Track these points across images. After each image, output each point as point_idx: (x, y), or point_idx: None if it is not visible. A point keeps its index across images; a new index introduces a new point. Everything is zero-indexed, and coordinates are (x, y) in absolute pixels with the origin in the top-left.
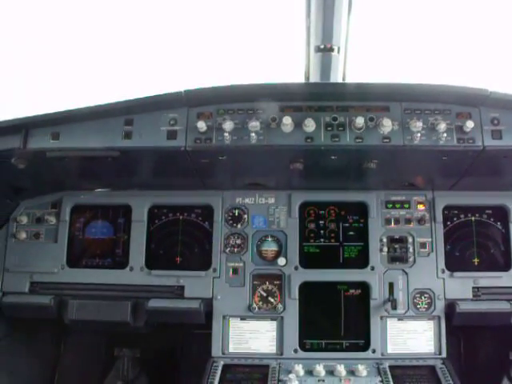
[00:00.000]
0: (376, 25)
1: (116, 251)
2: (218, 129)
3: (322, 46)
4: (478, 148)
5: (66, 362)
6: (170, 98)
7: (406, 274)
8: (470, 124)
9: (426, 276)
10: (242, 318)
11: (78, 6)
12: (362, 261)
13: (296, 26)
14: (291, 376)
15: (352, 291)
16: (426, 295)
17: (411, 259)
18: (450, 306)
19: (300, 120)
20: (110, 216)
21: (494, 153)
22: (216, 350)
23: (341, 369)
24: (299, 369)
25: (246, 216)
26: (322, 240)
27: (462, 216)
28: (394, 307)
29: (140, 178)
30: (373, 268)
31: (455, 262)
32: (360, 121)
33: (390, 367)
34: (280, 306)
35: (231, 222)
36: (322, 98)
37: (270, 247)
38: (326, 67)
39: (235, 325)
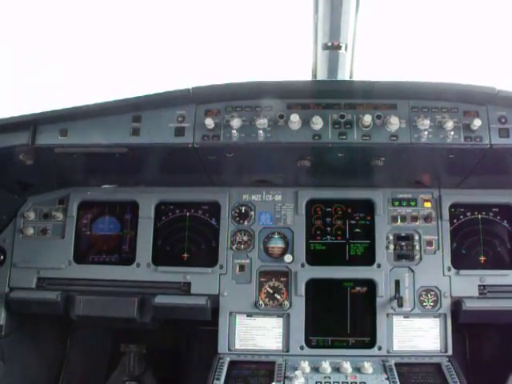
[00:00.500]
0: (383, 22)
1: (123, 247)
2: (225, 126)
3: (330, 44)
4: (485, 146)
5: (73, 358)
6: (178, 94)
7: (413, 271)
8: (477, 122)
9: (432, 274)
10: (249, 315)
11: (87, 3)
12: (368, 258)
13: (303, 24)
14: (297, 373)
15: (358, 288)
16: (432, 293)
17: (417, 257)
18: (456, 304)
19: (307, 117)
20: (117, 212)
21: (501, 151)
22: (222, 347)
23: (347, 366)
24: (305, 365)
25: (252, 213)
26: (328, 237)
27: (469, 214)
28: (400, 305)
29: (147, 175)
30: (379, 265)
31: (461, 260)
32: (367, 118)
33: (396, 364)
34: (286, 302)
35: (238, 218)
36: (329, 95)
37: (277, 244)
38: (333, 65)
39: (241, 321)
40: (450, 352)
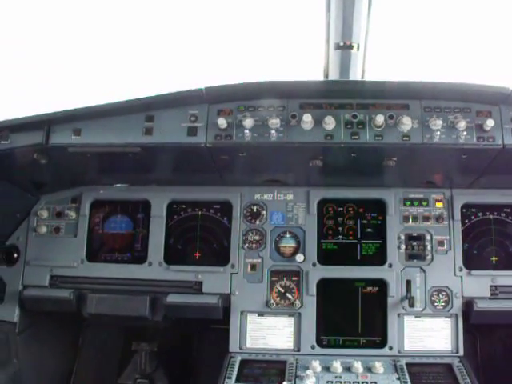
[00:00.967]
0: (396, 22)
1: (135, 246)
2: (238, 125)
3: (342, 44)
4: (498, 147)
5: (85, 355)
6: (191, 94)
7: (424, 271)
8: (490, 122)
9: (443, 274)
10: (260, 314)
11: (102, 4)
12: (379, 258)
13: (316, 23)
14: (308, 372)
15: (370, 288)
16: (443, 293)
17: (429, 257)
18: (468, 305)
19: (320, 117)
20: (129, 211)
21: None
22: (234, 346)
23: (358, 365)
24: (316, 365)
25: (264, 212)
26: (340, 237)
27: (480, 214)
28: (412, 305)
29: (159, 174)
30: (390, 265)
31: (473, 260)
32: (380, 119)
33: (407, 364)
34: (298, 302)
35: (250, 218)
36: (341, 95)
37: (289, 243)
38: (345, 64)
39: (253, 320)
40: (461, 352)
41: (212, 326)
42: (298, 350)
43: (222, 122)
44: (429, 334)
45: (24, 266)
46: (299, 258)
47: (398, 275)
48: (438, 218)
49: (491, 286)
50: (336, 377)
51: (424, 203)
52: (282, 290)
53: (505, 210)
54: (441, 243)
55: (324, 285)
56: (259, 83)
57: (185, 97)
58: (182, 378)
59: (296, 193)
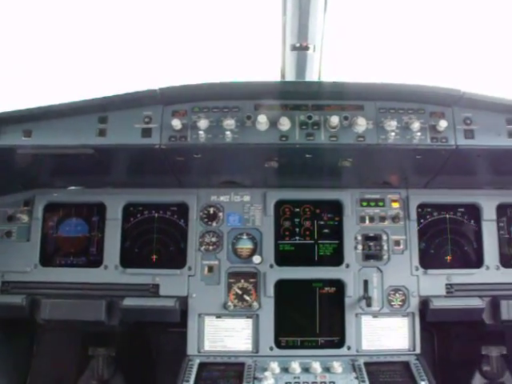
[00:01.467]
0: (351, 23)
1: (90, 250)
2: (192, 127)
3: (298, 45)
4: (451, 147)
5: (40, 362)
6: (145, 95)
7: (381, 271)
8: (443, 123)
9: (400, 273)
10: (218, 316)
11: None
12: (336, 258)
13: (272, 25)
14: (267, 373)
15: (327, 289)
16: (400, 292)
17: (385, 257)
18: (424, 303)
19: (275, 118)
20: (84, 214)
21: (467, 152)
22: (191, 349)
23: (316, 366)
24: (275, 366)
25: (221, 214)
26: (297, 238)
27: (436, 214)
28: (369, 304)
29: (114, 176)
30: (348, 266)
31: (429, 260)
32: (335, 120)
33: (365, 364)
34: (255, 303)
35: (206, 220)
36: (297, 96)
37: (246, 245)
38: (301, 66)
39: (211, 323)
40: (418, 350)
41: (171, 330)
42: (257, 352)
43: (176, 124)
44: (386, 333)
45: None
46: (256, 259)
47: (355, 275)
48: (395, 218)
49: (447, 285)
50: (294, 378)
51: (380, 203)
52: (240, 292)
53: (460, 209)
54: (397, 243)
55: (281, 286)
56: (214, 84)
57: (139, 97)
58: (140, 382)
59: (253, 194)
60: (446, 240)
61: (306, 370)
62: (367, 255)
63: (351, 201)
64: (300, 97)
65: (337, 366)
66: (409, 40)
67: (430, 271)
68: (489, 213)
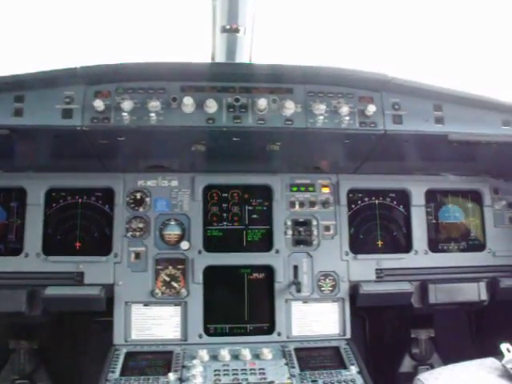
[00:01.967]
0: (283, 6)
1: (9, 237)
2: (116, 108)
3: (228, 27)
4: (380, 132)
5: None
6: (65, 74)
7: (311, 256)
8: (371, 108)
9: (330, 259)
10: (145, 304)
11: None
12: (266, 244)
13: (202, 6)
14: (195, 361)
15: (256, 275)
16: (330, 277)
17: (315, 242)
18: (354, 288)
19: (201, 101)
20: (2, 199)
21: (395, 137)
22: (118, 338)
23: (246, 353)
24: (203, 354)
25: (148, 199)
26: (225, 223)
27: (366, 199)
28: (299, 290)
29: (35, 160)
30: (277, 251)
31: (359, 245)
32: (262, 102)
33: (295, 349)
34: (184, 290)
35: (133, 205)
36: (224, 78)
37: (173, 231)
38: (231, 48)
39: (138, 311)
40: (348, 335)
41: (98, 319)
42: (185, 340)
43: (99, 105)
44: (316, 319)
45: None
46: (184, 245)
47: (285, 261)
48: (325, 204)
49: (376, 270)
50: (224, 365)
51: (310, 189)
52: (168, 279)
53: (390, 194)
54: (327, 228)
55: (210, 272)
56: (138, 64)
57: (58, 76)
58: (66, 375)
59: (181, 179)
60: (376, 225)
61: (235, 357)
62: (297, 240)
63: (281, 186)
64: (227, 79)
65: (266, 353)
66: (340, 24)
67: (359, 256)
68: (417, 198)
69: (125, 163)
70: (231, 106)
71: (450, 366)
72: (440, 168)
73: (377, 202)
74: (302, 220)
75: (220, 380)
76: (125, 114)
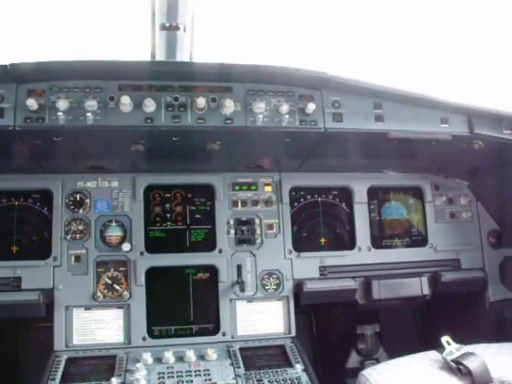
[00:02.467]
0: (223, 4)
1: None
2: (51, 108)
3: (168, 25)
4: (320, 130)
5: None
6: None
7: (254, 255)
8: (311, 106)
9: (273, 257)
10: (87, 308)
11: None
12: (209, 244)
13: (142, 3)
14: (138, 365)
15: (200, 275)
16: (274, 276)
17: (259, 241)
18: (298, 286)
19: (139, 100)
20: None
21: (336, 135)
22: (59, 344)
23: (190, 354)
24: (147, 357)
25: (88, 200)
26: (168, 224)
27: (309, 197)
28: (243, 289)
29: None
30: (220, 251)
31: (302, 243)
32: (201, 101)
33: (240, 349)
34: (126, 293)
35: (72, 207)
36: (163, 77)
37: (115, 232)
38: (171, 46)
39: (79, 315)
40: (293, 333)
41: (39, 325)
42: (129, 343)
43: (31, 104)
44: (261, 318)
45: None
46: (126, 247)
47: (229, 260)
48: (267, 202)
49: (320, 267)
50: (168, 367)
51: (253, 187)
52: (110, 282)
53: (332, 192)
54: (270, 227)
55: (153, 274)
56: (73, 62)
57: None
58: None
59: (121, 179)
60: (319, 223)
61: (180, 358)
62: (240, 240)
63: (223, 185)
64: (166, 77)
65: (211, 353)
66: (280, 22)
67: (303, 254)
68: (360, 196)
69: (63, 164)
70: (170, 105)
71: (394, 361)
72: (382, 165)
73: (319, 199)
74: (244, 219)
75: (164, 383)
76: (60, 113)
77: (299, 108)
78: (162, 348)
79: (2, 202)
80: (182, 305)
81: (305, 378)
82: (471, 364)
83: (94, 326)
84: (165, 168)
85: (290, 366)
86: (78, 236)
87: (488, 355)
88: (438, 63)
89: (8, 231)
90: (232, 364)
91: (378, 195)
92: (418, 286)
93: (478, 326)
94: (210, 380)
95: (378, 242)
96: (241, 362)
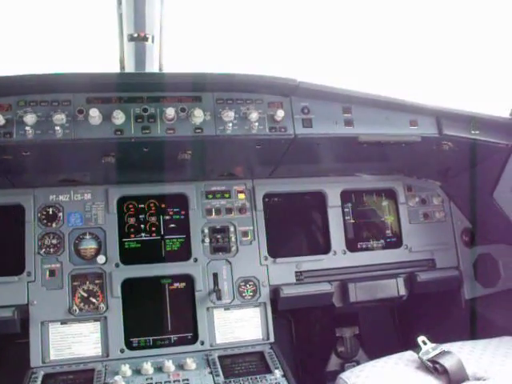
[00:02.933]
0: (192, 14)
1: None
2: (18, 122)
3: (136, 35)
4: (290, 136)
5: None
6: None
7: (230, 263)
8: (280, 113)
9: (249, 264)
10: (63, 322)
11: None
12: (184, 253)
13: (109, 14)
14: (117, 378)
15: (176, 284)
16: (250, 283)
17: (234, 248)
18: (275, 292)
19: (108, 112)
20: None
21: (306, 140)
22: (35, 360)
23: (169, 364)
24: (126, 369)
25: (61, 214)
26: (142, 235)
27: (282, 203)
28: (219, 297)
29: None
30: (196, 260)
31: (278, 249)
32: (170, 111)
33: (219, 357)
34: (102, 305)
35: (45, 221)
36: (132, 88)
37: (89, 245)
38: (140, 57)
39: (55, 330)
40: (272, 339)
41: (13, 342)
42: (107, 356)
43: None
44: (239, 325)
45: None
46: (100, 259)
47: (204, 269)
48: (241, 210)
49: (296, 272)
50: (147, 379)
51: (226, 195)
52: (85, 295)
53: (305, 197)
54: (245, 234)
55: (129, 285)
56: (41, 75)
57: None
58: None
59: (94, 192)
60: (294, 228)
61: (159, 369)
62: (215, 248)
63: (196, 194)
64: (135, 89)
65: (190, 363)
66: (249, 30)
67: (279, 260)
68: (333, 199)
69: (34, 178)
70: (139, 117)
71: (371, 363)
72: (354, 169)
73: (293, 205)
74: (219, 227)
75: None
76: (28, 128)
77: (269, 115)
78: (140, 359)
79: None
80: (160, 315)
81: (284, 383)
82: (447, 362)
83: (71, 341)
84: (137, 179)
85: (269, 372)
86: (51, 250)
87: (464, 353)
88: (405, 66)
89: None
90: (211, 372)
91: (351, 198)
92: (395, 287)
93: (455, 323)
94: None
95: (352, 245)
96: (220, 370)
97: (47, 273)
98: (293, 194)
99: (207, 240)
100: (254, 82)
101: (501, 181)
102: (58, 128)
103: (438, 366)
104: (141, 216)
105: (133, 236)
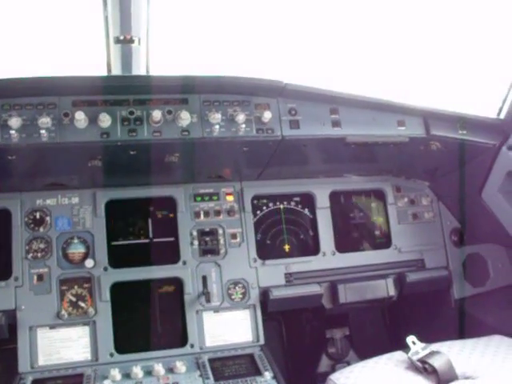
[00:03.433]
0: (179, 16)
1: None
2: (3, 126)
3: (122, 38)
4: (277, 138)
5: None
6: None
7: (219, 265)
8: (267, 115)
9: (238, 266)
10: (52, 327)
11: None
12: (173, 256)
13: (94, 17)
14: (106, 382)
15: (165, 288)
16: (239, 285)
17: (223, 251)
18: (264, 294)
19: (94, 115)
20: None
21: (293, 142)
22: (23, 365)
23: (159, 368)
24: (115, 373)
25: (48, 218)
26: (131, 238)
27: (271, 204)
28: (209, 300)
29: None
30: (184, 262)
31: (267, 251)
32: (157, 114)
33: (209, 360)
34: (91, 309)
35: (32, 225)
36: (118, 91)
37: (77, 249)
38: (127, 59)
39: (44, 335)
40: (262, 341)
41: (1, 347)
42: (96, 360)
43: None
44: (229, 327)
45: None
46: (89, 263)
47: (193, 272)
48: (230, 212)
49: (286, 274)
50: (136, 383)
51: (214, 198)
52: (74, 299)
53: (294, 198)
54: (234, 236)
55: (118, 289)
56: (26, 78)
57: None
58: None
59: (82, 195)
60: (283, 230)
61: (148, 373)
62: (204, 250)
63: (184, 196)
64: (121, 91)
65: (180, 366)
66: (236, 32)
67: (268, 262)
68: (322, 201)
69: (20, 182)
70: (126, 120)
71: (361, 363)
72: (343, 170)
73: (282, 206)
74: (207, 230)
75: None
76: (13, 131)
77: (256, 117)
78: (130, 363)
79: None
80: (149, 318)
81: None
82: (436, 362)
83: (60, 345)
84: (125, 182)
85: (260, 374)
86: (39, 255)
87: (453, 353)
88: (392, 67)
89: None
90: (201, 375)
91: (340, 199)
92: (384, 288)
93: (445, 323)
94: None
95: (342, 246)
96: (210, 373)
97: (35, 277)
98: (281, 196)
99: (196, 242)
100: (240, 83)
101: (489, 181)
102: (43, 131)
103: (427, 365)
104: (129, 219)
105: (121, 239)
